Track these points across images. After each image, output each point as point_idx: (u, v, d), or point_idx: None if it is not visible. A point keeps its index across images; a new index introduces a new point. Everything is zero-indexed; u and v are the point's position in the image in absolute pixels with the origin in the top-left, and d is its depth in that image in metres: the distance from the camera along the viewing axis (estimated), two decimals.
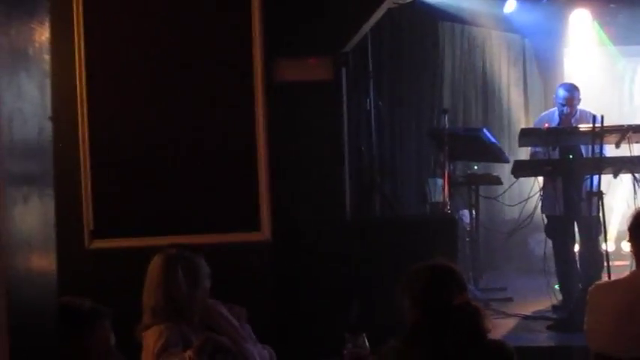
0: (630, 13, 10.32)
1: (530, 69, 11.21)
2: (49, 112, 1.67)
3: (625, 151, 7.36)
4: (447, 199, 8.16)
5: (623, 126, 7.37)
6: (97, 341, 2.73)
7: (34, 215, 1.62)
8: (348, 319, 5.83)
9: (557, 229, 7.68)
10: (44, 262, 1.67)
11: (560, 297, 7.54)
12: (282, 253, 6.00)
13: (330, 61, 6.28)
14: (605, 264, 7.06)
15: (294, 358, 4.61)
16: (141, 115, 6.05)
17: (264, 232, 6.03)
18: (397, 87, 9.56)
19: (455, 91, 10.59)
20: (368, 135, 8.15)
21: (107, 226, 6.00)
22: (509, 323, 7.08)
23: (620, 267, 7.32)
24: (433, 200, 9.13)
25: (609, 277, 6.47)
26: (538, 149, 7.76)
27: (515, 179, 7.96)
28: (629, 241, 4.02)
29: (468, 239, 8.65)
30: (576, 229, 7.71)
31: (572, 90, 7.75)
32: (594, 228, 7.34)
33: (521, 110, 10.97)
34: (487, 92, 10.91)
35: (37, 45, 1.60)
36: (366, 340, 4.10)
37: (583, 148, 7.49)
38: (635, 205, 6.94)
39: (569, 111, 7.64)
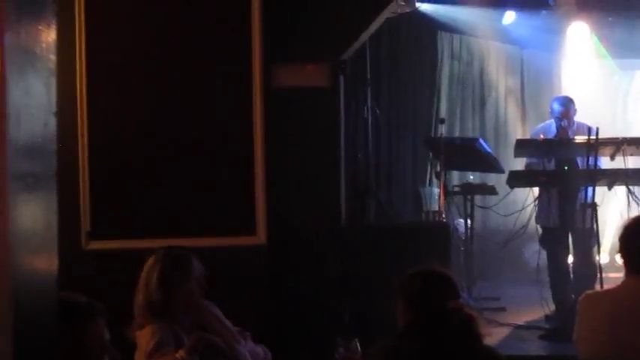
0: (628, 26, 10.37)
1: (527, 80, 11.27)
2: (54, 108, 1.71)
3: (620, 163, 7.41)
4: (443, 208, 8.21)
5: (617, 138, 7.41)
6: (93, 336, 2.76)
7: (37, 213, 1.65)
8: (340, 324, 5.86)
9: (552, 240, 7.71)
10: (46, 261, 1.70)
11: (553, 307, 7.57)
12: (277, 257, 6.03)
13: (328, 68, 6.31)
14: (599, 275, 7.11)
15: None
16: (139, 117, 6.09)
17: (260, 237, 6.07)
18: (395, 95, 9.60)
19: (452, 101, 10.64)
20: (364, 142, 8.18)
21: (104, 227, 6.04)
22: (502, 332, 7.12)
23: (614, 279, 7.34)
24: (428, 209, 9.19)
25: (602, 288, 6.50)
26: (533, 161, 7.80)
27: (510, 189, 8.00)
28: (620, 251, 4.06)
29: (462, 248, 8.69)
30: (570, 240, 7.74)
31: (568, 103, 7.78)
32: (588, 239, 7.38)
33: (518, 121, 11.03)
34: (484, 103, 10.98)
35: (44, 45, 1.64)
36: (358, 345, 4.14)
37: (579, 160, 7.52)
38: (628, 217, 6.98)
39: (567, 124, 7.66)
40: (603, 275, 7.07)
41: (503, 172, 8.27)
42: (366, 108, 8.13)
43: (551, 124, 7.85)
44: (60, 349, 1.85)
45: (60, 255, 1.87)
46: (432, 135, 9.50)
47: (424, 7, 9.63)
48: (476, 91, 10.92)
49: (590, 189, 7.15)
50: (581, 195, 7.37)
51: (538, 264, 7.77)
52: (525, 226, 8.09)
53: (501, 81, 11.04)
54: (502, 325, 7.36)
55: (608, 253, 9.58)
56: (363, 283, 6.30)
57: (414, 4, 9.08)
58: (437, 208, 8.68)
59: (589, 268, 7.42)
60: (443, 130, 8.42)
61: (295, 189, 6.18)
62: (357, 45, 6.74)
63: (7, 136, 1.48)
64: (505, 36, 10.74)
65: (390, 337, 3.37)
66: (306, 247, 6.15)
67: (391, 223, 8.06)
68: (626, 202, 7.50)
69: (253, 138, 6.11)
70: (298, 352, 5.43)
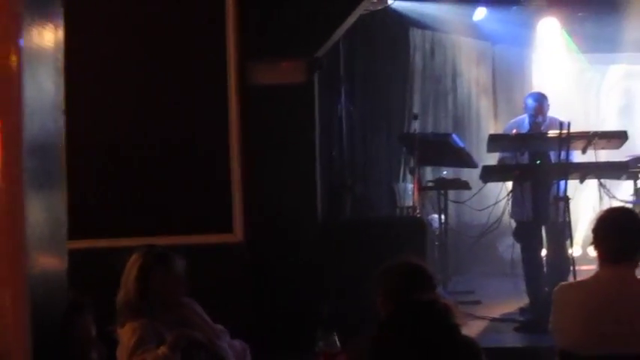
0: (598, 21, 10.48)
1: (498, 75, 11.35)
2: (62, 105, 1.74)
3: (591, 157, 7.49)
4: (417, 203, 8.26)
5: (589, 132, 7.48)
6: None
7: (49, 209, 1.68)
8: (319, 318, 5.90)
9: (526, 234, 7.77)
10: (58, 257, 1.73)
11: (527, 300, 7.65)
12: (254, 254, 6.06)
13: (304, 65, 6.35)
14: (572, 268, 7.19)
15: (267, 356, 4.67)
16: (116, 117, 6.09)
17: (237, 234, 6.10)
18: (368, 92, 9.64)
19: (425, 97, 10.70)
20: (339, 139, 8.23)
21: (82, 227, 6.02)
22: (478, 325, 7.17)
23: (587, 271, 7.36)
24: (402, 205, 9.24)
25: (575, 280, 6.58)
26: (506, 155, 7.87)
27: (483, 184, 8.07)
28: (593, 243, 4.11)
29: (437, 243, 8.75)
30: (544, 233, 7.82)
31: (541, 99, 7.83)
32: (561, 233, 7.45)
33: (490, 116, 11.11)
34: (456, 98, 11.04)
35: (53, 45, 1.67)
36: (337, 339, 4.18)
37: (551, 154, 7.59)
38: (600, 210, 7.07)
39: (541, 120, 7.73)
40: (576, 268, 7.15)
41: (476, 166, 8.31)
42: (340, 104, 8.18)
43: (524, 119, 7.90)
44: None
45: None
46: (406, 131, 9.55)
47: (396, 4, 9.68)
48: (448, 86, 10.99)
49: (562, 182, 7.23)
50: (554, 188, 7.43)
51: (512, 257, 7.85)
52: (499, 220, 8.15)
53: (473, 76, 11.11)
54: (477, 318, 7.43)
55: (580, 245, 9.70)
56: (340, 278, 6.35)
57: (387, 1, 9.14)
58: (411, 204, 8.73)
59: (562, 261, 7.50)
60: (416, 126, 8.48)
61: (272, 186, 6.21)
62: (331, 42, 6.78)
63: (22, 134, 1.51)
64: (476, 32, 10.81)
65: (370, 330, 3.41)
66: (284, 243, 6.19)
67: (368, 219, 8.12)
68: (598, 195, 7.59)
69: (229, 136, 6.14)
70: (278, 347, 5.46)
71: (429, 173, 9.63)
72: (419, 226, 7.13)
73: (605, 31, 10.47)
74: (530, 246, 7.78)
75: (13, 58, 1.50)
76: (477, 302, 8.09)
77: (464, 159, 8.52)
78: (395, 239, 6.51)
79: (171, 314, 4.13)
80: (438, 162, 9.13)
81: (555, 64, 11.07)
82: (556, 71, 11.05)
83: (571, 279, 6.93)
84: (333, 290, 6.32)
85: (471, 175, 8.71)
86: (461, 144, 8.48)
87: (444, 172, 9.38)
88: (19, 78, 1.52)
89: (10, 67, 1.51)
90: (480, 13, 10.26)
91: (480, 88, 11.17)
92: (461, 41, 10.92)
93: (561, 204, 7.20)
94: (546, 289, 7.27)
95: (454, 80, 11.03)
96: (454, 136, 8.64)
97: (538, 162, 7.57)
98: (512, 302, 7.74)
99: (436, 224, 8.86)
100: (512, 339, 6.82)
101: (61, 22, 1.72)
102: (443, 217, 8.73)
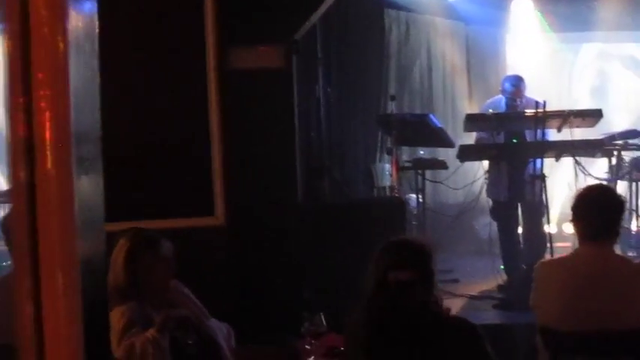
0: (570, 1, 10.57)
1: (473, 56, 11.40)
2: (98, 95, 1.78)
3: (566, 135, 7.59)
4: (394, 183, 8.32)
5: (564, 111, 7.58)
6: None
7: (91, 194, 1.72)
8: (302, 299, 5.96)
9: (502, 212, 7.87)
10: (99, 240, 1.77)
11: (505, 277, 7.75)
12: (236, 237, 6.10)
13: (281, 49, 6.38)
14: (548, 245, 7.29)
15: (251, 338, 4.72)
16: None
17: (219, 217, 6.14)
18: (345, 74, 9.67)
19: (401, 78, 10.74)
20: (317, 121, 8.26)
21: None
22: (457, 303, 7.26)
23: (562, 248, 7.55)
24: (379, 185, 9.30)
25: (552, 257, 6.68)
26: (483, 135, 7.94)
27: (460, 164, 8.15)
28: (572, 220, 4.19)
29: (415, 223, 8.81)
30: (520, 211, 7.91)
31: (518, 82, 7.91)
32: (537, 210, 7.56)
33: (465, 97, 11.18)
34: (432, 79, 11.09)
35: (90, 31, 1.70)
36: (323, 319, 4.24)
37: (527, 134, 7.67)
38: (576, 187, 7.16)
39: (519, 103, 7.81)
40: (553, 245, 7.27)
41: (453, 146, 8.38)
42: (317, 87, 8.22)
43: (500, 99, 7.98)
44: None
45: None
46: (383, 112, 9.60)
47: None
48: (423, 67, 11.04)
49: (538, 161, 7.32)
50: (530, 167, 7.52)
51: (489, 236, 7.94)
52: (476, 199, 8.25)
53: (448, 57, 11.16)
54: (456, 296, 7.52)
55: (556, 223, 9.81)
56: (321, 259, 6.41)
57: None
58: (388, 184, 8.79)
59: (539, 238, 7.61)
60: (393, 107, 8.53)
61: (252, 169, 6.25)
62: (308, 25, 6.81)
63: (71, 121, 1.55)
64: (451, 12, 10.86)
65: (359, 308, 3.46)
66: (265, 225, 6.23)
67: (347, 200, 8.17)
68: (574, 173, 7.69)
69: (209, 120, 6.16)
70: (262, 330, 5.51)
71: (405, 153, 9.68)
72: (397, 206, 7.20)
73: (578, 10, 10.55)
74: (506, 224, 7.88)
75: (61, 45, 1.53)
76: (456, 281, 8.18)
77: (441, 139, 8.59)
78: (374, 219, 6.58)
79: (160, 297, 4.16)
80: (415, 142, 9.19)
81: (529, 44, 11.15)
82: (530, 51, 11.13)
83: (547, 256, 7.04)
84: (314, 271, 6.38)
85: (448, 154, 8.78)
86: (438, 124, 8.55)
87: (421, 152, 9.44)
88: (67, 65, 1.55)
89: (59, 54, 1.55)
90: None
91: (454, 69, 11.23)
92: (436, 21, 10.96)
93: (537, 182, 7.30)
94: (523, 266, 7.37)
95: (429, 61, 11.07)
96: (431, 116, 8.71)
97: (514, 141, 7.65)
98: (490, 280, 7.83)
99: (414, 204, 8.92)
100: (491, 316, 6.92)
101: (95, 4, 1.76)
102: (420, 196, 8.79)
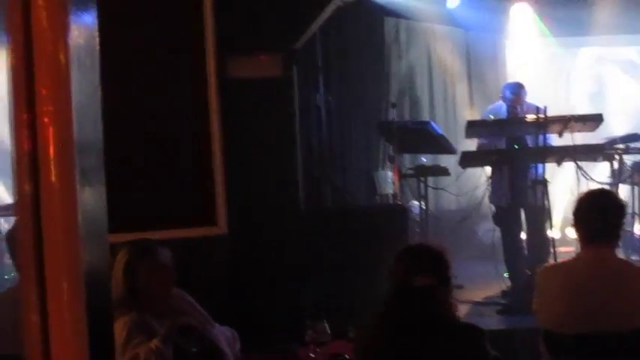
0: (568, 4, 10.58)
1: (474, 62, 11.41)
2: (100, 106, 1.80)
3: (568, 140, 7.60)
4: (396, 191, 8.33)
5: (565, 116, 7.59)
6: None
7: (94, 206, 1.73)
8: (304, 307, 5.97)
9: (505, 218, 7.87)
10: (101, 251, 1.78)
11: (509, 283, 7.75)
12: (239, 245, 6.11)
13: (281, 58, 6.40)
14: (552, 250, 7.29)
15: (254, 346, 4.72)
16: None
17: (221, 226, 6.12)
18: (346, 82, 9.69)
19: (402, 86, 10.76)
20: (318, 129, 8.28)
21: None
22: (461, 309, 7.17)
23: (566, 253, 7.56)
24: (381, 192, 9.31)
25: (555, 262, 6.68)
26: (484, 141, 7.96)
27: (462, 170, 8.15)
28: (573, 224, 4.20)
29: (417, 230, 8.81)
30: (523, 216, 7.92)
31: (519, 89, 7.94)
32: (540, 215, 7.56)
33: (466, 103, 11.19)
34: (433, 86, 11.12)
35: (91, 42, 1.72)
36: (327, 326, 4.24)
37: (529, 139, 7.68)
38: (578, 192, 7.17)
39: (519, 110, 7.84)
40: (556, 250, 7.26)
41: (455, 152, 8.39)
42: (318, 95, 8.23)
43: (500, 105, 7.99)
44: None
45: None
46: (384, 119, 9.61)
47: None
48: (424, 74, 11.06)
49: (540, 166, 7.33)
50: (532, 172, 7.53)
51: (492, 241, 7.94)
52: (479, 205, 8.26)
53: (448, 63, 11.18)
54: (461, 302, 7.49)
55: (559, 228, 9.80)
56: (323, 266, 6.42)
57: None
58: (391, 192, 8.80)
59: (542, 243, 7.60)
60: (394, 114, 8.55)
61: (254, 178, 6.26)
62: (308, 34, 6.84)
63: (74, 132, 1.57)
64: (450, 19, 10.86)
65: (371, 316, 3.47)
66: (267, 233, 6.25)
67: (349, 207, 8.18)
68: (575, 178, 7.69)
69: (210, 129, 6.15)
70: (265, 338, 5.51)
71: (407, 160, 9.70)
72: (400, 213, 7.20)
73: (576, 14, 10.57)
74: (509, 230, 7.88)
75: (63, 60, 1.56)
76: (460, 287, 8.13)
77: (443, 146, 8.59)
78: (376, 227, 6.58)
79: (161, 305, 4.16)
80: (417, 149, 9.20)
81: (528, 50, 11.16)
82: (529, 56, 11.14)
83: (551, 261, 7.03)
84: (316, 279, 6.38)
85: (450, 161, 8.79)
86: (439, 131, 8.56)
87: (423, 159, 9.46)
88: (69, 80, 1.57)
89: (61, 70, 1.57)
90: (454, 0, 10.33)
91: (454, 75, 11.24)
92: (435, 29, 10.98)
93: (539, 187, 7.30)
94: (527, 271, 7.37)
95: (429, 68, 11.10)
96: (432, 123, 8.72)
97: (516, 146, 7.66)
98: (493, 286, 7.83)
99: (416, 211, 8.93)
100: (495, 322, 6.92)
101: (95, 18, 1.77)
102: (423, 203, 8.79)
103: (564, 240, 9.21)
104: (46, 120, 1.55)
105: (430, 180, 9.01)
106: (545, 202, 7.33)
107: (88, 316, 1.56)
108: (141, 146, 6.17)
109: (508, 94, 7.91)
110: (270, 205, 6.30)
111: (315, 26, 6.92)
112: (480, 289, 8.05)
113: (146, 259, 4.18)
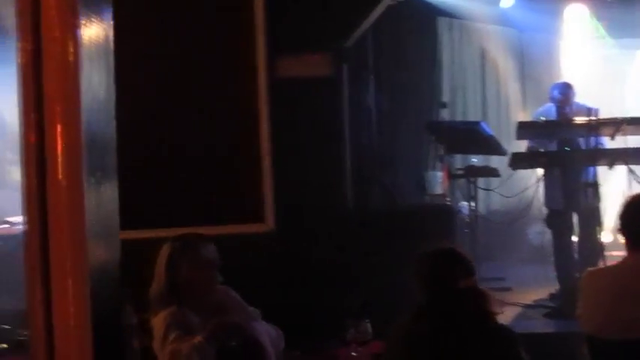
0: (626, 6, 10.44)
1: (527, 63, 11.31)
2: (113, 112, 1.83)
3: (620, 142, 7.50)
4: (446, 191, 8.30)
5: (617, 118, 7.49)
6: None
7: (104, 203, 1.76)
8: (349, 306, 5.97)
9: (557, 221, 7.78)
10: (111, 247, 1.81)
11: (557, 286, 7.68)
12: (285, 243, 6.15)
13: (330, 58, 6.42)
14: (602, 254, 7.21)
15: (297, 344, 4.74)
16: (147, 111, 6.18)
17: (269, 223, 6.19)
18: (397, 81, 9.68)
19: (453, 86, 10.73)
20: (368, 128, 8.28)
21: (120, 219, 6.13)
22: (508, 312, 7.18)
23: (617, 257, 7.40)
24: (431, 193, 9.28)
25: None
26: (532, 144, 7.90)
27: (512, 171, 8.10)
28: (620, 229, 4.16)
29: (466, 230, 8.78)
30: (575, 220, 7.84)
31: (566, 90, 7.87)
32: (592, 219, 7.48)
33: (519, 104, 11.10)
34: (485, 86, 11.06)
35: (105, 49, 1.75)
36: (369, 326, 4.25)
37: (580, 141, 7.60)
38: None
39: (568, 110, 7.77)
40: (606, 254, 7.18)
41: (505, 154, 8.34)
42: (368, 95, 8.23)
43: (551, 107, 7.92)
44: None
45: None
46: (434, 119, 9.58)
47: None
48: (476, 74, 11.01)
49: (592, 169, 7.26)
50: (584, 175, 7.46)
51: (542, 243, 7.88)
52: (529, 207, 8.19)
53: (501, 64, 11.10)
54: (508, 304, 7.46)
55: (611, 231, 9.67)
56: (369, 266, 6.41)
57: None
58: (440, 192, 8.78)
59: (593, 247, 7.52)
60: (445, 114, 8.52)
61: (302, 176, 6.29)
62: (358, 33, 6.84)
63: (82, 130, 1.60)
64: (504, 19, 10.79)
65: (403, 317, 3.47)
66: (314, 232, 6.27)
67: (396, 207, 8.16)
68: (627, 181, 7.60)
69: (260, 128, 6.22)
70: (309, 336, 5.54)
71: (458, 161, 9.66)
72: (447, 213, 7.18)
73: (634, 15, 10.42)
74: (561, 233, 7.80)
75: (72, 62, 1.59)
76: (508, 289, 8.12)
77: (492, 146, 8.55)
78: (423, 227, 6.56)
79: (205, 300, 4.17)
80: (467, 150, 9.16)
81: (583, 51, 11.03)
82: (584, 58, 11.01)
83: (601, 264, 6.96)
84: (362, 279, 6.38)
85: (501, 162, 8.73)
86: (489, 131, 8.50)
87: (474, 160, 9.41)
88: (78, 72, 1.60)
89: (69, 63, 1.60)
90: (508, 0, 10.26)
91: (508, 76, 11.16)
92: (488, 29, 10.91)
93: (590, 190, 7.23)
94: (577, 275, 7.28)
95: (482, 68, 11.04)
96: (482, 123, 8.67)
97: (567, 149, 7.59)
98: (542, 288, 7.77)
99: (466, 212, 8.89)
100: (542, 325, 6.87)
101: (111, 18, 1.80)
102: (472, 204, 8.75)
103: (616, 244, 9.05)
104: (53, 120, 1.57)
105: (481, 181, 8.97)
106: (597, 205, 7.25)
107: (94, 311, 1.59)
108: (192, 145, 6.26)
109: (556, 94, 7.84)
110: (317, 204, 6.32)
111: (365, 25, 6.91)
112: (528, 291, 7.99)
113: (189, 253, 4.18)
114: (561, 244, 7.80)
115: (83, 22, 1.62)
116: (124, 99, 6.17)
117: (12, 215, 8.71)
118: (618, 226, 4.14)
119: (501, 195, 9.07)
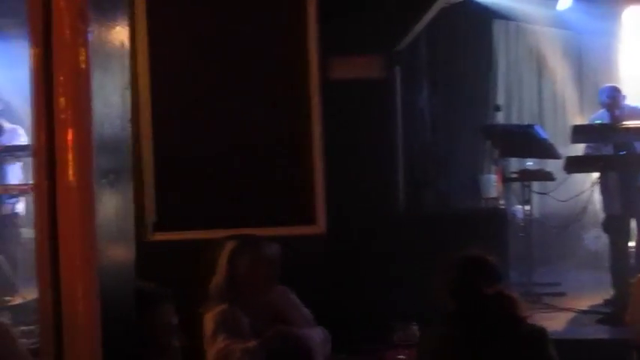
0: None
1: (584, 66, 11.19)
2: (128, 115, 1.85)
3: None
4: (500, 195, 8.25)
5: None
6: (161, 320, 2.91)
7: (117, 205, 1.79)
8: (398, 310, 5.96)
9: (614, 226, 7.71)
10: (125, 249, 1.83)
11: (612, 292, 7.59)
12: (336, 245, 6.15)
13: (382, 60, 6.42)
14: None
15: (341, 346, 4.74)
16: (201, 112, 6.24)
17: (320, 226, 6.20)
18: (451, 84, 9.65)
19: (509, 89, 10.67)
20: (422, 131, 8.26)
21: (168, 219, 6.21)
22: (561, 317, 7.16)
23: None
24: (486, 196, 9.23)
25: None
26: (589, 151, 7.85)
27: (567, 175, 8.03)
28: None
29: (521, 235, 8.71)
30: (632, 225, 7.75)
31: (614, 93, 7.83)
32: None
33: (576, 107, 10.98)
34: (541, 89, 10.96)
35: (119, 53, 1.78)
36: (417, 329, 4.25)
37: (637, 145, 7.52)
38: None
39: (618, 113, 7.71)
40: None
41: (559, 157, 8.26)
42: (422, 97, 8.22)
43: (604, 112, 7.88)
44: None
45: None
46: (489, 122, 9.53)
47: None
48: (532, 77, 10.92)
49: None
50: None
51: (597, 249, 7.79)
52: (584, 212, 8.11)
53: (558, 67, 10.99)
54: (561, 310, 7.40)
55: None
56: (420, 270, 6.38)
57: None
58: (494, 196, 8.72)
59: None
60: (500, 117, 8.47)
61: (353, 179, 6.29)
62: (412, 36, 6.83)
63: (92, 138, 1.63)
64: (561, 22, 10.68)
65: (433, 325, 3.48)
66: (365, 235, 6.26)
67: (448, 211, 8.13)
68: None
69: (311, 129, 6.24)
70: (357, 338, 5.53)
71: (513, 164, 9.59)
72: (499, 217, 7.13)
73: None
74: (618, 238, 7.71)
75: (82, 62, 1.61)
76: (562, 294, 8.05)
77: (547, 150, 8.47)
78: (474, 231, 6.52)
79: (260, 300, 4.20)
80: (521, 153, 9.08)
81: None
82: None
83: None
84: (412, 283, 6.36)
85: (556, 165, 8.66)
86: (544, 135, 8.44)
87: (529, 163, 9.33)
88: (88, 77, 1.63)
89: (80, 68, 1.63)
90: (565, 2, 10.15)
91: (565, 79, 11.05)
92: (545, 32, 10.82)
93: None
94: (632, 281, 7.20)
95: (539, 71, 10.95)
96: (537, 127, 8.59)
97: (622, 153, 7.51)
98: (597, 294, 7.68)
99: (520, 215, 8.83)
100: (595, 331, 6.79)
101: (127, 23, 1.82)
102: (527, 208, 8.68)
103: None
104: (64, 123, 1.59)
105: (535, 184, 8.89)
106: None
107: (105, 312, 1.61)
108: (245, 147, 6.30)
109: (604, 97, 7.78)
110: (368, 207, 6.31)
111: (418, 27, 6.90)
112: (582, 297, 7.91)
113: (250, 250, 4.24)
114: (618, 249, 7.71)
115: (96, 26, 1.65)
116: (178, 101, 6.28)
117: None
118: None
119: (556, 199, 8.98)
